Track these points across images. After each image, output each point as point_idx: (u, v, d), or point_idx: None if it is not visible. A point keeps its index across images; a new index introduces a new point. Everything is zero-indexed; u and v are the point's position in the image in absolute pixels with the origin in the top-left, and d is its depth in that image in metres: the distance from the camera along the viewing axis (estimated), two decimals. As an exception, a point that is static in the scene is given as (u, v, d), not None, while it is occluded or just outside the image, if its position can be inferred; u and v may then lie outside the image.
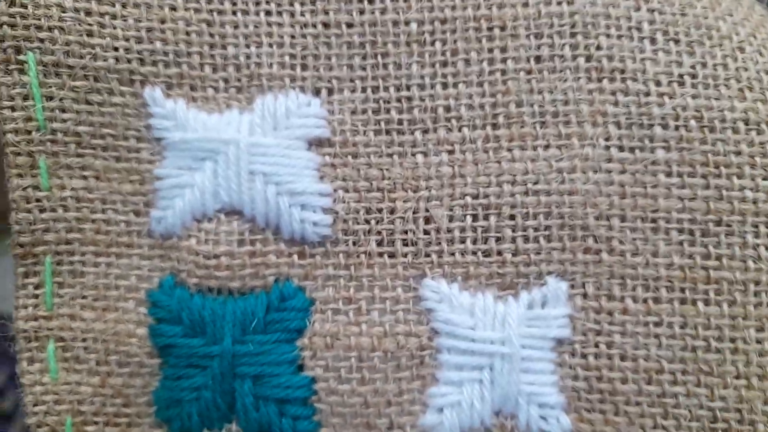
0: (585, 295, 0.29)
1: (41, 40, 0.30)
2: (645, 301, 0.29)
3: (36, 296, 0.31)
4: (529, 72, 0.30)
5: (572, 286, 0.29)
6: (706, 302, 0.29)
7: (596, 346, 0.29)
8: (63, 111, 0.30)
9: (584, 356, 0.29)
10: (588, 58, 0.29)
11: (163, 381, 0.31)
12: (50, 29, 0.30)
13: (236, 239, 0.30)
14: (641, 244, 0.29)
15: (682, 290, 0.29)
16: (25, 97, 0.30)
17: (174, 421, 0.31)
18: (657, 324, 0.29)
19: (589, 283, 0.29)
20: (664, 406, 0.29)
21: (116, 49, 0.30)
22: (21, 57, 0.30)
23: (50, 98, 0.30)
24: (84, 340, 0.31)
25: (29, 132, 0.30)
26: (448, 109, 0.30)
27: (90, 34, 0.30)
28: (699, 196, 0.29)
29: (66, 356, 0.31)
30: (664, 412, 0.29)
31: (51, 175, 0.30)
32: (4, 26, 0.29)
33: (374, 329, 0.30)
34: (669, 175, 0.29)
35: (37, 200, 0.30)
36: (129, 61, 0.30)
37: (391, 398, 0.30)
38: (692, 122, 0.29)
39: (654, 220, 0.29)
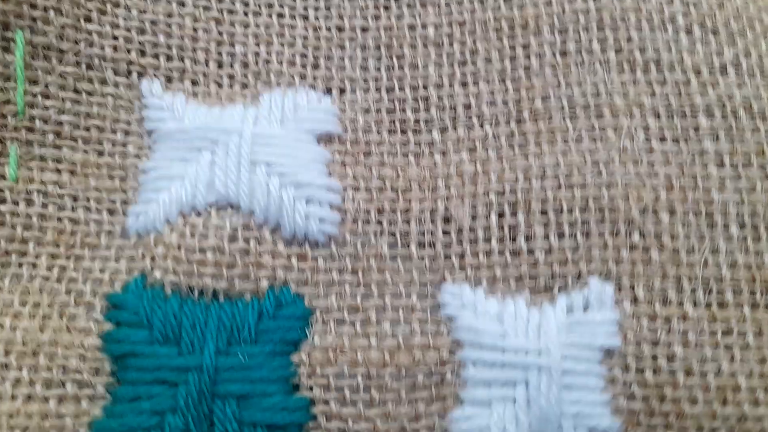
0: (635, 299, 0.25)
1: (33, 19, 0.27)
2: (708, 306, 0.25)
3: None
4: (554, 67, 0.28)
5: (619, 289, 0.25)
6: None
7: (654, 359, 0.24)
8: (47, 97, 0.27)
9: (640, 371, 0.24)
10: (618, 51, 0.28)
11: (110, 407, 0.24)
12: (45, 9, 0.28)
13: (227, 234, 0.26)
14: (697, 241, 0.25)
15: (752, 293, 0.25)
16: (7, 78, 0.27)
17: None
18: (726, 333, 0.24)
19: (638, 285, 0.25)
20: (745, 434, 0.23)
21: (115, 37, 0.28)
22: (8, 34, 0.27)
23: (34, 82, 0.27)
24: (6, 353, 0.24)
25: (4, 116, 0.27)
26: (468, 107, 0.28)
27: (88, 19, 0.28)
28: (759, 188, 0.25)
29: None
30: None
31: (20, 166, 0.27)
32: None
33: (386, 342, 0.25)
34: (721, 165, 0.26)
35: None
36: (128, 51, 0.28)
37: (405, 424, 0.24)
38: (741, 111, 0.26)
39: (709, 214, 0.25)
